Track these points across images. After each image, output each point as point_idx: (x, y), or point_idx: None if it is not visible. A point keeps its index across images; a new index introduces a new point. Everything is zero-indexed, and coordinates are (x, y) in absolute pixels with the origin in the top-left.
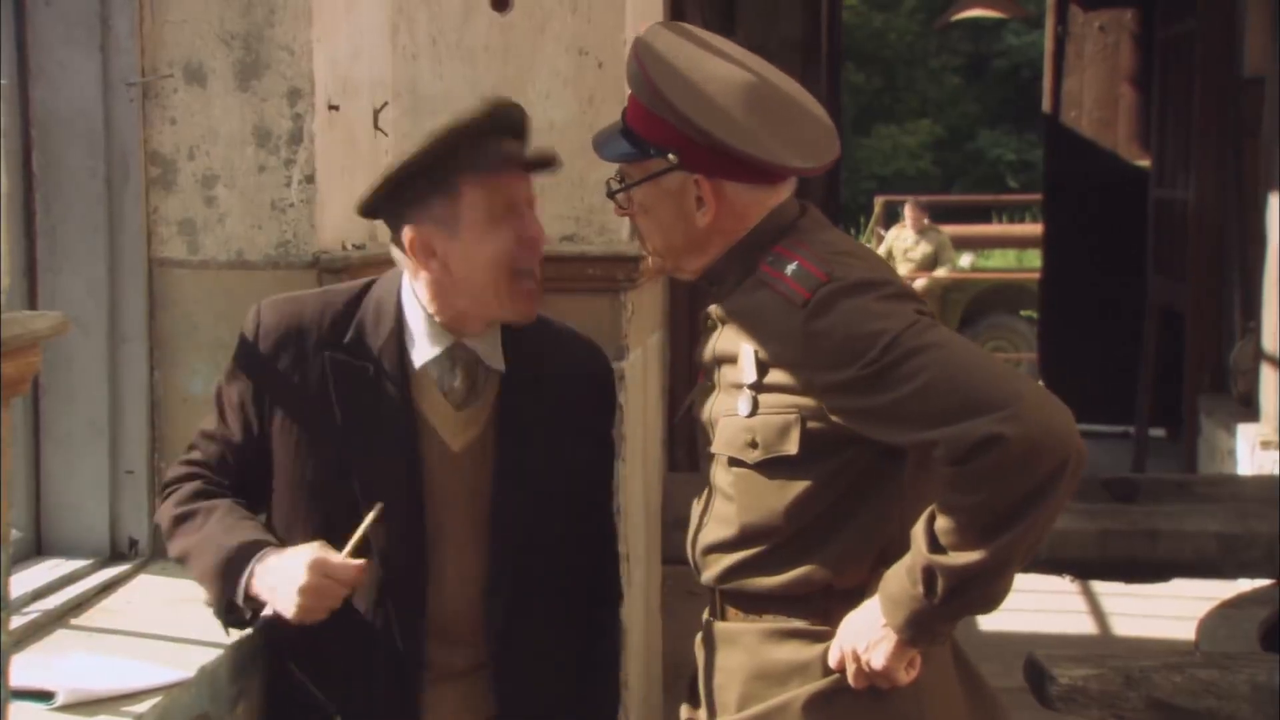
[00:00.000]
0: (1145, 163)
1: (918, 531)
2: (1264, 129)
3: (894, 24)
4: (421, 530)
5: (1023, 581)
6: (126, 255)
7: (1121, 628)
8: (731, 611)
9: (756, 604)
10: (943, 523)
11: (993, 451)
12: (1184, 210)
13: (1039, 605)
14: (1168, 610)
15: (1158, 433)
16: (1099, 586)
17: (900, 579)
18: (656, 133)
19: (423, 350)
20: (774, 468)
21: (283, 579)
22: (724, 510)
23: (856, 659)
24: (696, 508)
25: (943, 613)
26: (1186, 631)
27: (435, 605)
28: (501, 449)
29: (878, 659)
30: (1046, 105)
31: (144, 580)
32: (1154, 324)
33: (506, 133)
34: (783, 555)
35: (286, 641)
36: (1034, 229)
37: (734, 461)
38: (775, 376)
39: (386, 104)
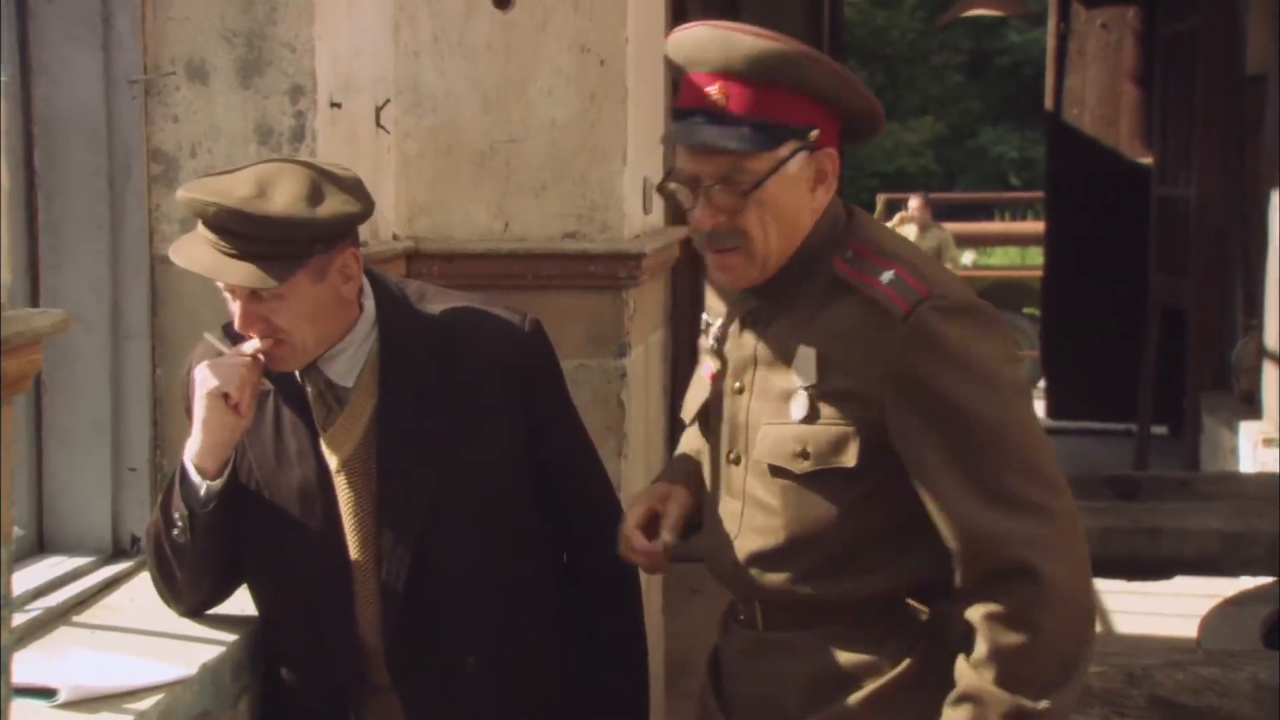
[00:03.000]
0: (1147, 160)
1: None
2: (1266, 127)
3: (896, 21)
4: (321, 546)
5: None
6: (129, 252)
7: (1124, 625)
8: (780, 620)
9: (809, 614)
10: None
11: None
12: (1186, 208)
13: None
14: (1170, 608)
15: (1160, 430)
16: (1101, 584)
17: None
18: (796, 112)
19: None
20: (826, 480)
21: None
22: (764, 521)
23: None
24: (724, 516)
25: None
26: (1189, 629)
27: (358, 622)
28: (379, 465)
29: None
30: (1049, 103)
31: (146, 578)
32: (1156, 321)
33: (206, 226)
34: (838, 566)
35: (273, 651)
36: (1036, 226)
37: (777, 471)
38: (843, 383)
39: (389, 101)
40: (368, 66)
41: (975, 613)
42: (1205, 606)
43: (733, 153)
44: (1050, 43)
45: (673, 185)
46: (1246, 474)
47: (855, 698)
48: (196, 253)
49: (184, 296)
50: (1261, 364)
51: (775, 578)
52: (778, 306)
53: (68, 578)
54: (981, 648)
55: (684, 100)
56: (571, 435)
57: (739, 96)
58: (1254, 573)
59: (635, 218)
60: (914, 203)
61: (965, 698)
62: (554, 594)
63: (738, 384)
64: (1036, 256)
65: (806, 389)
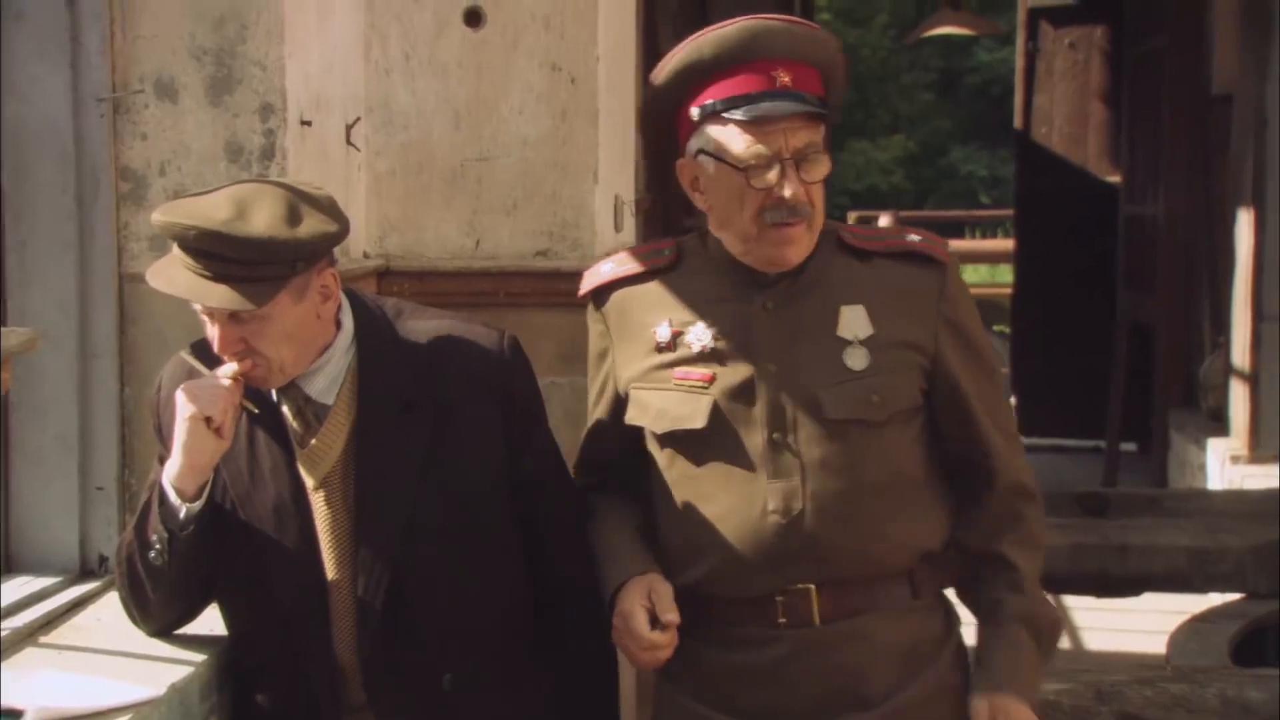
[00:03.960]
0: (1116, 179)
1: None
2: (1233, 145)
3: (867, 39)
4: (296, 564)
5: None
6: (97, 270)
7: (1093, 642)
8: (838, 606)
9: (871, 587)
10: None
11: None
12: (1154, 225)
13: None
14: (1138, 624)
15: (1129, 447)
16: (1070, 600)
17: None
18: (825, 92)
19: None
20: (896, 421)
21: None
22: (836, 484)
23: None
24: (772, 501)
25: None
26: (1157, 645)
27: (335, 642)
28: (359, 482)
29: None
30: (1017, 121)
31: (114, 597)
32: (1125, 339)
33: (184, 250)
34: (905, 508)
35: (245, 672)
36: (1006, 244)
37: (856, 424)
38: (897, 330)
39: (359, 119)
40: (338, 84)
41: (1003, 543)
42: (1174, 623)
43: (811, 125)
44: (1019, 62)
45: (752, 161)
46: (1214, 491)
47: (940, 664)
48: (175, 276)
49: (152, 315)
50: (1229, 381)
51: (848, 539)
52: (797, 286)
53: (35, 598)
54: (1017, 573)
55: (745, 86)
56: (546, 452)
57: (800, 77)
58: (1222, 589)
59: (606, 235)
60: (884, 221)
61: (1027, 620)
62: (530, 611)
63: (771, 365)
64: (1006, 274)
65: (863, 342)
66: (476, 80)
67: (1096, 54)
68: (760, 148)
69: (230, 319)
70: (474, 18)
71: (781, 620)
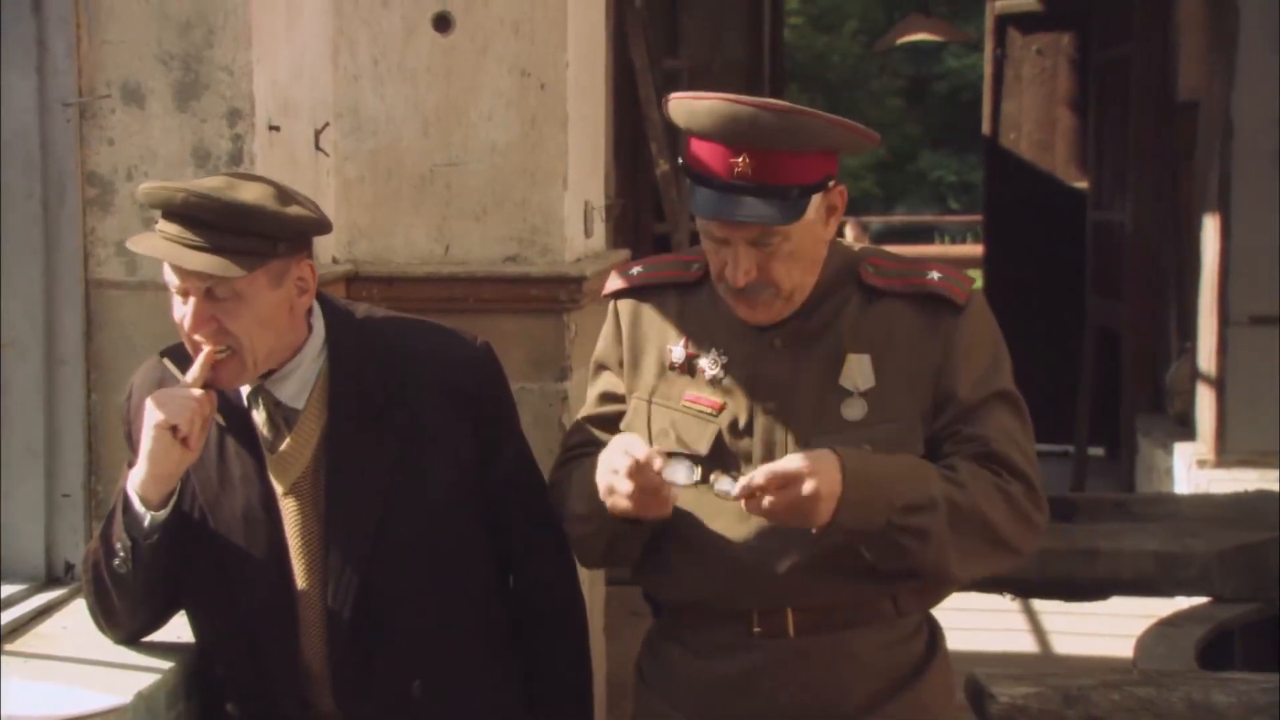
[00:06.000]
0: (1083, 184)
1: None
2: (1198, 152)
3: (836, 46)
4: (265, 571)
5: (963, 600)
6: (63, 276)
7: (1061, 646)
8: (812, 624)
9: (850, 611)
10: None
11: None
12: (1121, 231)
13: (979, 624)
14: (1106, 628)
15: (1096, 452)
16: (1039, 605)
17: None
18: (814, 170)
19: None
20: None
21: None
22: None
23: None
24: (757, 534)
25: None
26: (1125, 649)
27: (303, 650)
28: (329, 488)
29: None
30: (986, 128)
31: (80, 605)
32: (1092, 344)
33: (171, 217)
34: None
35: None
36: (974, 249)
37: None
38: (901, 378)
39: (328, 125)
40: (307, 90)
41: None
42: (1141, 627)
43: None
44: (987, 69)
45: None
46: (1181, 495)
47: (922, 686)
48: (157, 244)
49: (119, 321)
50: (1195, 386)
51: (826, 579)
52: (808, 327)
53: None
54: (958, 473)
55: (706, 170)
56: (519, 458)
57: (764, 167)
58: (1189, 593)
59: (576, 241)
60: (850, 233)
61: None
62: (502, 618)
63: (771, 404)
64: (975, 279)
65: (863, 394)
66: (446, 86)
67: (1064, 61)
68: (713, 228)
69: (205, 296)
70: (443, 23)
71: (757, 630)
